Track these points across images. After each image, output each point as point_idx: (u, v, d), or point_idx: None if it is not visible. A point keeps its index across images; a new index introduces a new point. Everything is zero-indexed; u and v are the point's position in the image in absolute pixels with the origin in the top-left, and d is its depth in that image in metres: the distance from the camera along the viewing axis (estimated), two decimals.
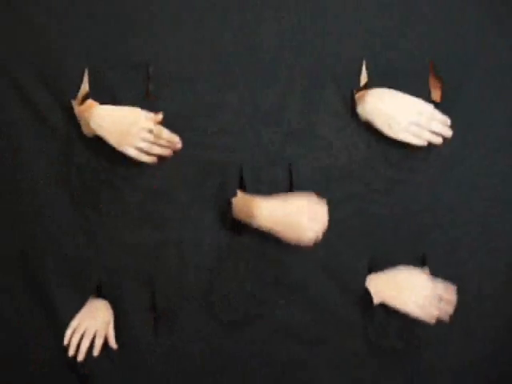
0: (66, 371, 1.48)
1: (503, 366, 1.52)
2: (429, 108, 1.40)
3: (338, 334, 1.49)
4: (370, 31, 1.44)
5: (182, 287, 1.47)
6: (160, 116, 1.36)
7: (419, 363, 1.49)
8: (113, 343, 1.46)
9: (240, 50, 1.43)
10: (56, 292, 1.47)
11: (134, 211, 1.46)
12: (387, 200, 1.47)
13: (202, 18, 1.42)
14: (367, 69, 1.45)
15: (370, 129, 1.44)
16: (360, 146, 1.46)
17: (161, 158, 1.39)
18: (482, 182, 1.48)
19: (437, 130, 1.41)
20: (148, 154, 1.37)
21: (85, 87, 1.42)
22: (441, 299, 1.42)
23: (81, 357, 1.44)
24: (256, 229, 1.42)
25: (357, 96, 1.44)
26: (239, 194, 1.43)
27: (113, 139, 1.36)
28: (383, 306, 1.46)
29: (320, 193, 1.42)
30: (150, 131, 1.35)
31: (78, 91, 1.43)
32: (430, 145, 1.43)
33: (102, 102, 1.40)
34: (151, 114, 1.36)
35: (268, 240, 1.45)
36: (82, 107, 1.41)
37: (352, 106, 1.44)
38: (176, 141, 1.38)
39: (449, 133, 1.42)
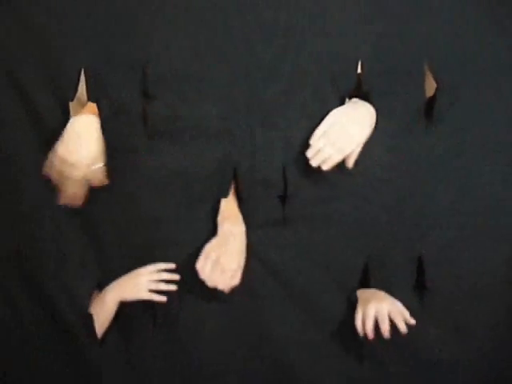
0: (67, 371, 1.49)
1: (501, 366, 1.51)
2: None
3: (334, 333, 1.49)
4: (367, 31, 1.44)
5: (181, 287, 1.46)
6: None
7: (417, 363, 1.49)
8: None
9: (238, 49, 1.43)
10: (54, 292, 1.47)
11: (132, 211, 1.46)
12: (384, 200, 1.47)
13: (200, 18, 1.42)
14: (363, 69, 1.45)
15: None
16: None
17: None
18: (480, 182, 1.48)
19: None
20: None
21: (82, 88, 1.43)
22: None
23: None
24: (249, 229, 1.45)
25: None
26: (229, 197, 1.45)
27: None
28: None
29: (316, 195, 1.44)
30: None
31: (76, 91, 1.43)
32: (428, 142, 1.44)
33: (100, 102, 1.41)
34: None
35: (263, 240, 1.47)
36: (83, 110, 1.42)
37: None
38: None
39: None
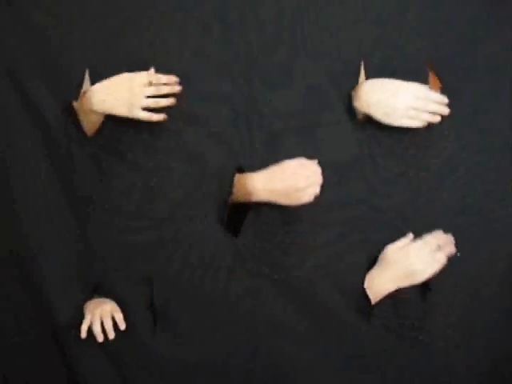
0: (65, 372, 1.48)
1: (503, 365, 1.52)
2: (424, 90, 1.42)
3: (335, 334, 1.48)
4: (368, 31, 1.45)
5: (181, 287, 1.47)
6: (152, 70, 1.39)
7: (418, 363, 1.49)
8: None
9: (239, 49, 1.44)
10: (53, 292, 1.46)
11: (132, 211, 1.46)
12: (385, 201, 1.47)
13: (201, 19, 1.43)
14: (365, 68, 1.45)
15: (367, 128, 1.45)
16: (358, 146, 1.46)
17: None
18: (481, 181, 1.48)
19: (434, 109, 1.42)
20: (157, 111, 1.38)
21: (86, 88, 1.42)
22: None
23: (111, 335, 1.36)
24: (253, 229, 1.44)
25: (352, 93, 1.45)
26: (236, 177, 1.44)
27: (120, 108, 1.37)
28: (381, 308, 1.46)
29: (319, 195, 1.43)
30: (150, 83, 1.37)
31: (77, 91, 1.43)
32: (429, 142, 1.44)
33: None
34: (144, 72, 1.38)
35: (265, 240, 1.47)
36: (81, 102, 1.41)
37: (350, 105, 1.45)
38: (174, 79, 1.40)
39: (446, 111, 1.42)
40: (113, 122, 1.42)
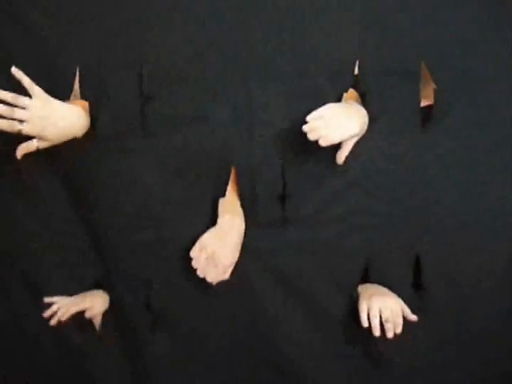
0: (65, 371, 1.49)
1: (500, 366, 1.52)
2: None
3: (333, 333, 1.50)
4: (364, 32, 1.44)
5: (179, 287, 1.48)
6: None
7: (415, 363, 1.50)
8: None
9: (235, 49, 1.43)
10: (53, 292, 1.47)
11: (131, 211, 1.46)
12: (383, 200, 1.47)
13: (199, 18, 1.42)
14: (361, 69, 1.45)
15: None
16: (356, 148, 1.44)
17: None
18: (479, 181, 1.47)
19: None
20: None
21: (77, 86, 1.42)
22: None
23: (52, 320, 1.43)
24: (252, 228, 1.45)
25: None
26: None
27: None
28: None
29: (316, 195, 1.44)
30: None
31: (71, 91, 1.42)
32: (427, 143, 1.45)
33: (98, 102, 1.40)
34: None
35: (263, 239, 1.47)
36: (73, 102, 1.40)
37: None
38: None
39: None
40: (110, 121, 1.42)
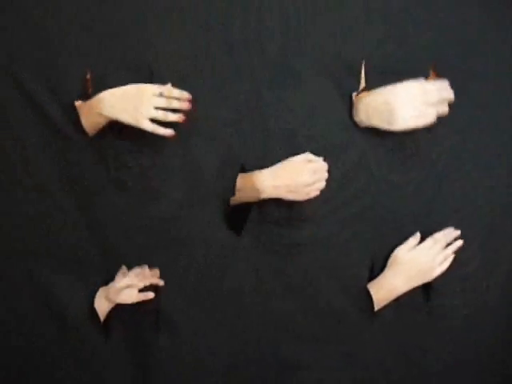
0: (70, 370, 1.48)
1: (504, 365, 1.53)
2: (419, 85, 1.41)
3: (335, 332, 1.49)
4: (370, 32, 1.45)
5: (184, 287, 1.47)
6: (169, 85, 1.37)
7: (419, 362, 1.50)
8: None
9: (240, 50, 1.43)
10: (58, 292, 1.47)
11: (134, 211, 1.45)
12: (386, 201, 1.48)
13: (203, 19, 1.42)
14: (367, 70, 1.45)
15: (369, 130, 1.45)
16: (360, 147, 1.46)
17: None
18: (481, 182, 1.48)
19: (440, 98, 1.41)
20: (164, 125, 1.36)
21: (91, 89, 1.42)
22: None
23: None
24: (256, 228, 1.45)
25: (354, 106, 1.45)
26: (239, 176, 1.44)
27: (128, 116, 1.35)
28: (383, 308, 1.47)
29: (320, 194, 1.43)
30: (161, 94, 1.35)
31: (78, 92, 1.42)
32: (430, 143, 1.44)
33: None
34: (157, 85, 1.37)
35: (268, 238, 1.47)
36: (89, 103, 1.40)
37: (351, 107, 1.45)
38: (186, 96, 1.37)
39: (451, 96, 1.42)
40: (115, 123, 1.42)
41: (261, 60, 1.43)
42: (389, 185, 1.47)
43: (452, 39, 1.45)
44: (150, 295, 1.42)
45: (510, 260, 1.49)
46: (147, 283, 1.43)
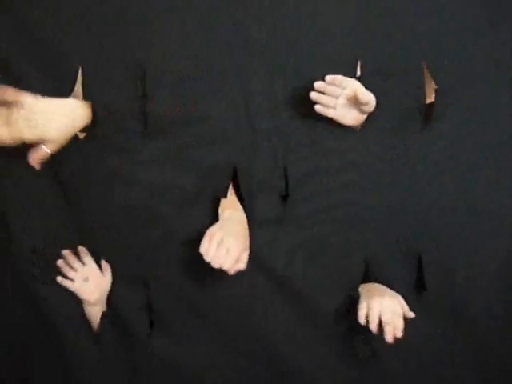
0: (62, 372, 1.48)
1: (501, 365, 1.53)
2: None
3: (333, 332, 1.50)
4: (364, 31, 1.45)
5: (178, 288, 1.48)
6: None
7: (415, 363, 1.51)
8: None
9: (235, 50, 1.43)
10: (48, 292, 1.47)
11: (130, 210, 1.45)
12: (384, 200, 1.48)
13: (196, 18, 1.42)
14: (362, 70, 1.44)
15: (363, 131, 1.45)
16: (355, 147, 1.46)
17: None
18: (479, 181, 1.48)
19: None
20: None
21: (78, 87, 1.41)
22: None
23: None
24: (250, 229, 1.44)
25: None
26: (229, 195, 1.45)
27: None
28: None
29: (316, 195, 1.44)
30: None
31: (72, 91, 1.41)
32: (427, 142, 1.45)
33: (98, 102, 1.39)
34: None
35: (263, 239, 1.47)
36: None
37: None
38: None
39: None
40: (111, 121, 1.41)
41: (257, 60, 1.43)
42: (383, 185, 1.47)
43: (448, 39, 1.45)
44: None
45: (503, 258, 1.50)
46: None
